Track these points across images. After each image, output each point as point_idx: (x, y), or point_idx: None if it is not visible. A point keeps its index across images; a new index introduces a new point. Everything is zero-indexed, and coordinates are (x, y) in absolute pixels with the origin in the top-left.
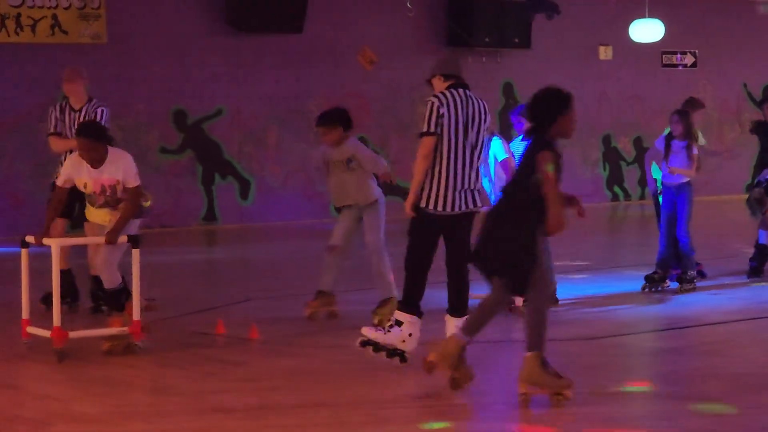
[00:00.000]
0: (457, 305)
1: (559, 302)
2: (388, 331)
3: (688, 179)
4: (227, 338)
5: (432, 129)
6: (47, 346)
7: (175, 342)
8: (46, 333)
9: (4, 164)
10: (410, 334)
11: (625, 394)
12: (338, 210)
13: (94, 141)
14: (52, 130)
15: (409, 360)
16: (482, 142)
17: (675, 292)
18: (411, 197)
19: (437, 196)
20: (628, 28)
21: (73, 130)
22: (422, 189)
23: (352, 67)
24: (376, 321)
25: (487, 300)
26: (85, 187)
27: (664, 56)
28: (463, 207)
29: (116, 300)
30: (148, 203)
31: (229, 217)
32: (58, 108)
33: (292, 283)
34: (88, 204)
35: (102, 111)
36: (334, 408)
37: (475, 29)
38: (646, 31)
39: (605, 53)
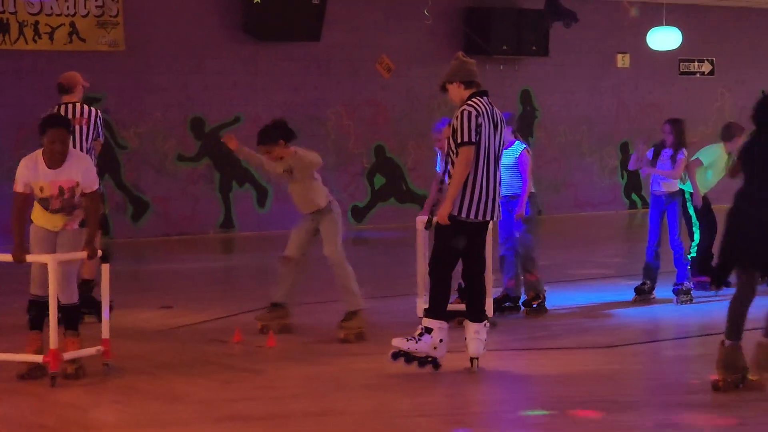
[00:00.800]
0: (477, 310)
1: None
2: (419, 340)
3: (677, 189)
4: (244, 346)
5: (473, 138)
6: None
7: (193, 350)
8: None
9: None
10: (441, 340)
11: (650, 402)
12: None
13: (67, 134)
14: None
15: (443, 366)
16: (501, 150)
17: (679, 302)
18: (448, 206)
19: (471, 204)
20: (645, 36)
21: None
22: (456, 198)
23: (369, 75)
24: (342, 335)
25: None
26: (41, 190)
27: (681, 64)
28: (494, 216)
29: (75, 318)
30: (106, 211)
31: (246, 224)
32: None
33: (308, 290)
34: (38, 206)
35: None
36: (352, 416)
37: (492, 37)
38: (664, 39)
39: (623, 61)
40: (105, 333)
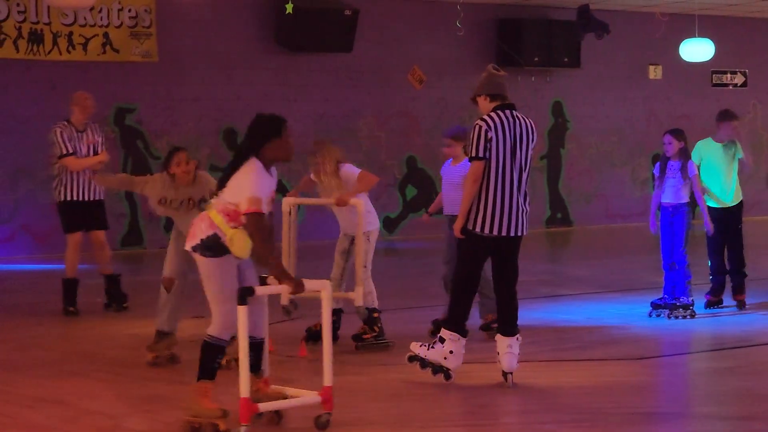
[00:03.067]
0: (509, 324)
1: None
2: (432, 347)
3: (685, 201)
4: (276, 356)
5: (481, 153)
6: (100, 363)
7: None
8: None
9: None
10: (451, 351)
11: (680, 413)
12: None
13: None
14: (68, 151)
15: (454, 378)
16: (530, 162)
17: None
18: (460, 220)
19: (484, 218)
20: (677, 47)
21: (83, 150)
22: (470, 211)
23: (401, 86)
24: (150, 358)
25: None
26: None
27: (714, 76)
28: (512, 232)
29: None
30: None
31: (278, 235)
32: (67, 129)
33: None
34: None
35: (98, 127)
36: (382, 427)
37: (524, 48)
38: (697, 50)
39: (655, 73)
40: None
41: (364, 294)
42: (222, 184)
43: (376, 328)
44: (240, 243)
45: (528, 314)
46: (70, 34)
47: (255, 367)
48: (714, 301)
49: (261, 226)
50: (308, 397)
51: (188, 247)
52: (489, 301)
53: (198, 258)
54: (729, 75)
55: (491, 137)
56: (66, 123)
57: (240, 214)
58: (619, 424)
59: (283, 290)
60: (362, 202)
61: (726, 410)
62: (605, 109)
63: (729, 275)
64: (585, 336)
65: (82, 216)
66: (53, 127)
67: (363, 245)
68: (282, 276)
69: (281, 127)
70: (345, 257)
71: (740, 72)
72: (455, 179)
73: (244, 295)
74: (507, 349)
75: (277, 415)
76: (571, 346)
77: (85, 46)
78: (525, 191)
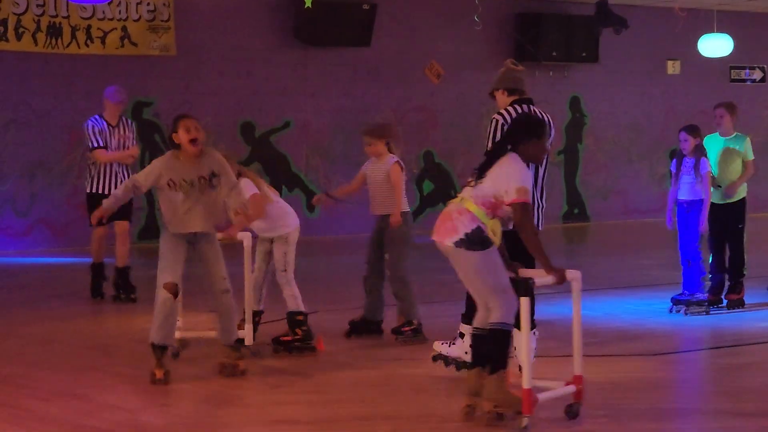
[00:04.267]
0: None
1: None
2: (452, 344)
3: (701, 197)
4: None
5: None
6: (116, 357)
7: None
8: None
9: (74, 174)
10: (471, 346)
11: (697, 410)
12: None
13: None
14: (99, 144)
15: None
16: (547, 158)
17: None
18: None
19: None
20: (696, 42)
21: (113, 144)
22: None
23: (419, 81)
24: (160, 375)
25: None
26: None
27: (732, 71)
28: None
29: None
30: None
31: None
32: (98, 124)
33: (358, 295)
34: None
35: (132, 123)
36: (399, 421)
37: (542, 43)
38: (715, 46)
39: (673, 68)
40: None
41: (287, 297)
42: (480, 175)
43: (298, 331)
44: (499, 233)
45: (544, 309)
46: (89, 27)
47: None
48: (713, 300)
49: (530, 216)
50: (561, 388)
51: (448, 242)
52: (404, 304)
53: (462, 253)
54: (747, 70)
55: None
56: (98, 117)
57: (501, 205)
58: (635, 420)
59: (548, 280)
60: (275, 207)
61: (743, 407)
62: (623, 105)
63: (728, 274)
64: (602, 332)
65: None
66: (87, 121)
67: (281, 248)
68: (548, 266)
69: (543, 131)
70: (267, 259)
71: (759, 68)
72: (380, 177)
73: (525, 287)
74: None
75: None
76: (587, 341)
77: (103, 39)
78: (542, 187)
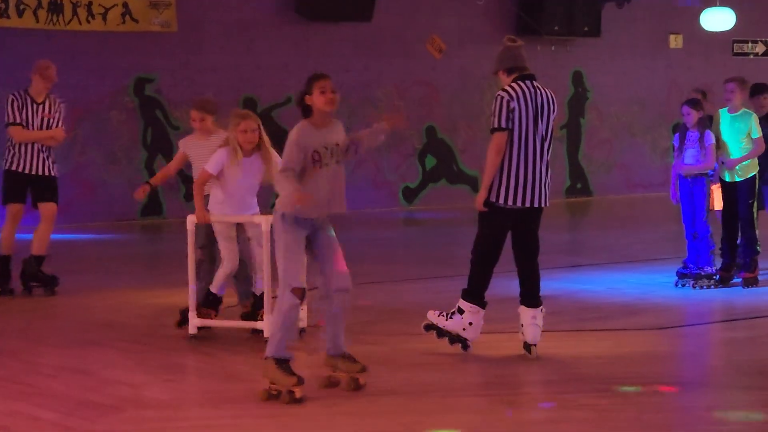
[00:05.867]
0: (532, 296)
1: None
2: (450, 318)
3: (705, 171)
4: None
5: (503, 124)
6: (120, 332)
7: (247, 329)
8: None
9: (76, 151)
10: (470, 323)
11: (700, 382)
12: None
13: None
14: (15, 121)
15: (471, 348)
16: (551, 133)
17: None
18: (482, 193)
19: (508, 190)
20: (698, 16)
21: (36, 123)
22: (492, 183)
23: (421, 56)
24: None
25: None
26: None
27: (735, 45)
28: (535, 203)
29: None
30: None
31: None
32: (20, 99)
33: (361, 270)
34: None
35: (63, 105)
36: (403, 396)
37: (544, 18)
38: (718, 19)
39: (675, 42)
40: None
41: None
42: None
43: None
44: None
45: (548, 284)
46: (90, 4)
47: None
48: (725, 277)
49: None
50: None
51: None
52: (242, 286)
53: None
54: (750, 44)
55: (514, 107)
56: (22, 92)
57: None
58: (639, 395)
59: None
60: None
61: (746, 380)
62: (625, 79)
63: (741, 252)
64: (606, 306)
65: (23, 189)
66: (9, 94)
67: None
68: None
69: None
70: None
71: (761, 41)
72: (206, 155)
73: None
74: (531, 320)
75: None
76: (591, 316)
77: (104, 16)
78: (547, 162)
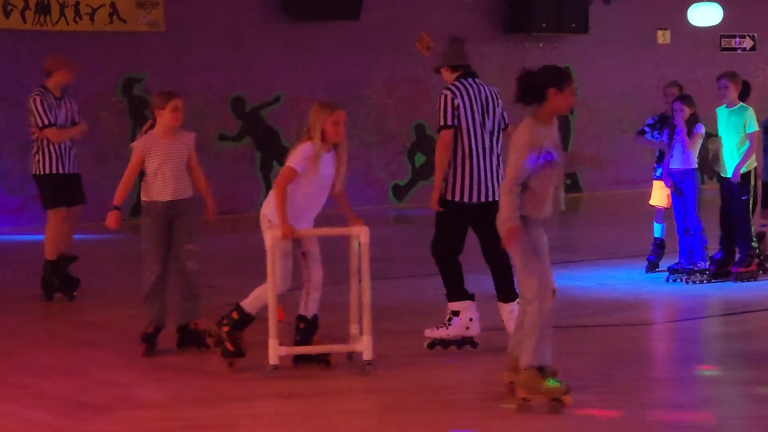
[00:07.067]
0: (506, 291)
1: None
2: (449, 325)
3: (694, 166)
4: (288, 325)
5: (449, 122)
6: (112, 332)
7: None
8: None
9: None
10: (471, 319)
11: (690, 378)
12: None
13: None
14: (51, 122)
15: (480, 344)
16: (499, 128)
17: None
18: (435, 192)
19: (463, 187)
20: (686, 11)
21: (61, 119)
22: (446, 181)
23: (409, 54)
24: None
25: None
26: None
27: (722, 40)
28: (490, 196)
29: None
30: None
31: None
32: (47, 98)
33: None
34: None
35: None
36: (398, 393)
37: (532, 14)
38: (705, 14)
39: (663, 37)
40: None
41: None
42: None
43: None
44: None
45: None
46: (77, 4)
47: None
48: (718, 273)
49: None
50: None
51: None
52: (189, 303)
53: None
54: (738, 39)
55: (458, 104)
56: (44, 90)
57: None
58: (630, 390)
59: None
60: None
61: (737, 375)
62: (614, 75)
63: (737, 247)
64: (595, 303)
65: (64, 190)
66: (32, 94)
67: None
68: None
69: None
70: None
71: (749, 36)
72: (181, 153)
73: None
74: (509, 315)
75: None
76: (582, 312)
77: (92, 16)
78: (498, 155)
